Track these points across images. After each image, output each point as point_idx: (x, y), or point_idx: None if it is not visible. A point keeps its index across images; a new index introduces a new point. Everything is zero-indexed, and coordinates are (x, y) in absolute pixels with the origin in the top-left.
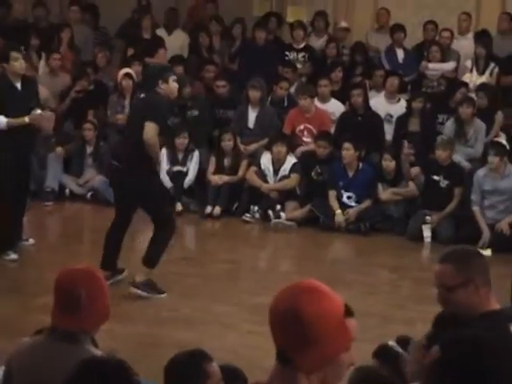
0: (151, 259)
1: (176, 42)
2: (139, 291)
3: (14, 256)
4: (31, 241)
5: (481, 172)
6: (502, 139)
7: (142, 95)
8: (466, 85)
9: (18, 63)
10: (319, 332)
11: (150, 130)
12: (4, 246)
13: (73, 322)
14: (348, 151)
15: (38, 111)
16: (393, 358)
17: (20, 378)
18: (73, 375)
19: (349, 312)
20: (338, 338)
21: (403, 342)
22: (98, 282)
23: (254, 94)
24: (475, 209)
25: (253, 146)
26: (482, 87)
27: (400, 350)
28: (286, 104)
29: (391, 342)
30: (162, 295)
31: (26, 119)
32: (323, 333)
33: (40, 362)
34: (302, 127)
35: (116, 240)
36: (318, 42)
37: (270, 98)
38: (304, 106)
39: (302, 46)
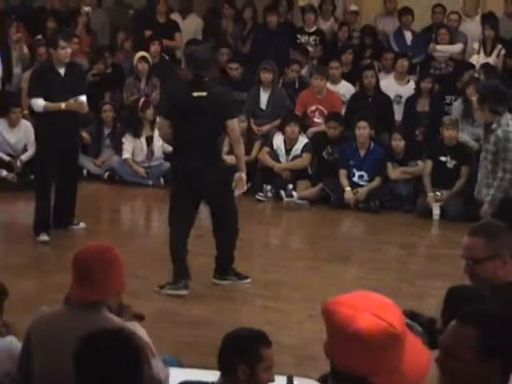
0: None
1: (190, 26)
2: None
3: (44, 237)
4: (82, 225)
5: None
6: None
7: (215, 89)
8: (473, 66)
9: (63, 51)
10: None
11: (237, 126)
12: (38, 227)
13: (88, 294)
14: (364, 130)
15: (81, 98)
16: None
17: (40, 344)
18: (80, 343)
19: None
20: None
21: (412, 315)
22: (111, 256)
23: (266, 76)
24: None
25: (265, 127)
26: (483, 67)
27: (410, 322)
28: (297, 86)
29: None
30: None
31: (62, 105)
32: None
33: (59, 328)
34: (313, 108)
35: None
36: (325, 26)
37: (281, 81)
38: (317, 87)
39: (313, 29)
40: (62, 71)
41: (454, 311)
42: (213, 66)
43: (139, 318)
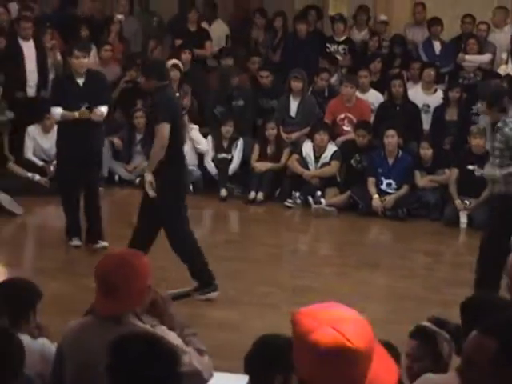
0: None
1: (216, 32)
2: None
3: (77, 242)
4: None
5: None
6: None
7: None
8: (499, 76)
9: (78, 61)
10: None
11: None
12: (70, 232)
13: (113, 306)
14: (392, 138)
15: (101, 108)
16: (430, 337)
17: (71, 355)
18: (109, 352)
19: None
20: None
21: (438, 322)
22: (134, 265)
23: (296, 85)
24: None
25: (295, 135)
26: (507, 77)
27: (436, 328)
28: (326, 94)
29: (426, 323)
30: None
31: (76, 114)
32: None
33: (88, 340)
34: (342, 116)
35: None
36: (359, 36)
37: (311, 89)
38: (346, 95)
39: (342, 38)
40: (80, 81)
41: (471, 320)
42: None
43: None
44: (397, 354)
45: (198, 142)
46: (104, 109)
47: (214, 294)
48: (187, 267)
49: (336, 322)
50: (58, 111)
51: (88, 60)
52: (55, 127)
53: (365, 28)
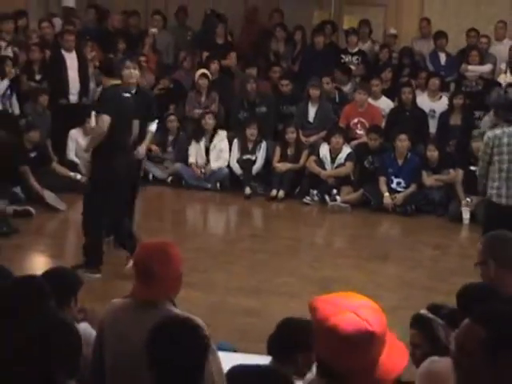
0: None
1: None
2: None
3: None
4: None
5: None
6: None
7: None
8: (500, 85)
9: (128, 72)
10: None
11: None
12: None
13: (150, 292)
14: (404, 142)
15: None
16: (426, 324)
17: (111, 335)
18: (149, 335)
19: None
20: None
21: (433, 309)
22: (169, 255)
23: (314, 92)
24: None
25: (313, 138)
26: (510, 85)
27: (431, 315)
28: (337, 100)
29: (423, 311)
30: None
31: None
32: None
33: (127, 321)
34: (355, 121)
35: None
36: (363, 47)
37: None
38: (360, 101)
39: (355, 50)
40: (129, 93)
41: (464, 308)
42: None
43: None
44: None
45: (221, 149)
46: (153, 127)
47: (92, 276)
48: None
49: (355, 307)
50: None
51: (138, 71)
52: None
53: (368, 40)
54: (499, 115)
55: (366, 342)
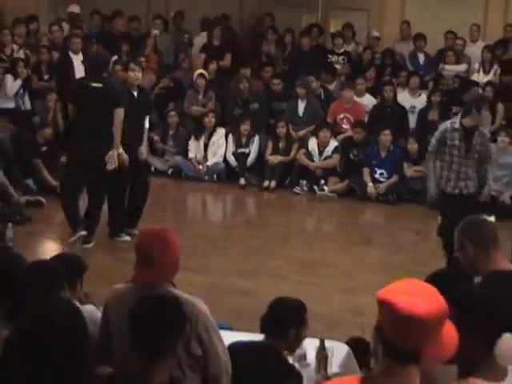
0: None
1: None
2: None
3: (127, 238)
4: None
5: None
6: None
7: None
8: (476, 83)
9: (133, 74)
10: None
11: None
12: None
13: (150, 276)
14: (387, 136)
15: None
16: None
17: (115, 317)
18: (132, 309)
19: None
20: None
21: None
22: (167, 241)
23: (300, 91)
24: None
25: (302, 132)
26: (489, 84)
27: None
28: (322, 97)
29: None
30: None
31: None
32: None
33: (129, 304)
34: (341, 116)
35: None
36: (347, 48)
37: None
38: (347, 97)
39: (341, 51)
40: (135, 93)
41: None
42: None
43: None
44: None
45: (218, 146)
46: (146, 123)
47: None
48: None
49: (423, 292)
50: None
51: (141, 73)
52: None
53: (351, 42)
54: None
55: (441, 321)
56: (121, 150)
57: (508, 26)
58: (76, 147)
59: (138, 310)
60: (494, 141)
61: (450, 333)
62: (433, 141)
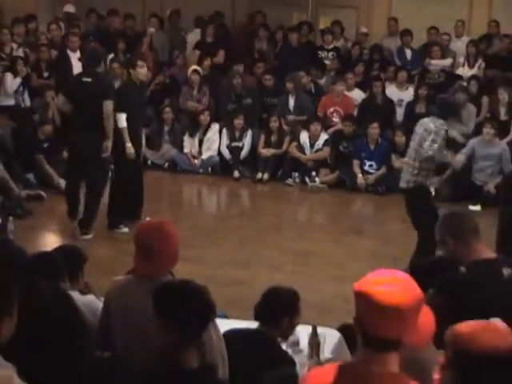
0: None
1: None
2: None
3: (125, 229)
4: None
5: (475, 140)
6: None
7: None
8: (460, 77)
9: (142, 70)
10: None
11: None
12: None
13: (149, 268)
14: (375, 129)
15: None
16: None
17: (116, 308)
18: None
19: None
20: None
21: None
22: (167, 233)
23: (289, 85)
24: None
25: (291, 117)
26: (473, 77)
27: None
28: (313, 92)
29: None
30: None
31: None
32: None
33: (129, 295)
34: (331, 110)
35: None
36: (336, 44)
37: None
38: (337, 92)
39: (330, 47)
40: (139, 89)
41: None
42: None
43: None
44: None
45: (212, 141)
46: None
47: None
48: None
49: (400, 282)
50: (123, 117)
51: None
52: None
53: (340, 38)
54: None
55: (418, 308)
56: (129, 145)
57: (492, 22)
58: (74, 142)
59: (171, 295)
60: (479, 133)
61: (426, 317)
62: None
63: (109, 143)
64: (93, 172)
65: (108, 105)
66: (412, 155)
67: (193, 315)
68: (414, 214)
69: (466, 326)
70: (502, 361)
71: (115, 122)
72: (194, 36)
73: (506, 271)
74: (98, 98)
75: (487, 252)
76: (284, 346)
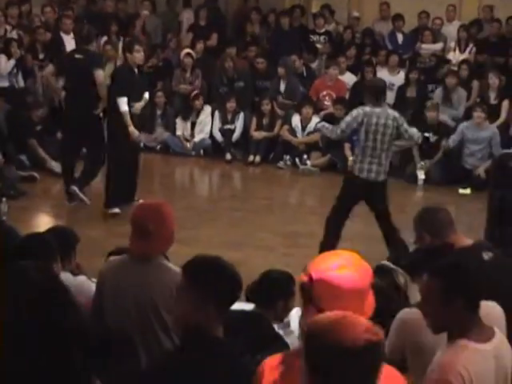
0: None
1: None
2: None
3: (116, 210)
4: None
5: (465, 124)
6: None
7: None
8: (448, 61)
9: (139, 54)
10: None
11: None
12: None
13: (145, 247)
14: None
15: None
16: (387, 272)
17: (110, 288)
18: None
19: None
20: None
21: (392, 260)
22: (163, 214)
23: (281, 70)
24: (450, 143)
25: (280, 100)
26: (464, 62)
27: (392, 266)
28: (305, 75)
29: (384, 262)
30: None
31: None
32: None
33: (123, 276)
34: (324, 93)
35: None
36: (328, 27)
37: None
38: (331, 75)
39: (322, 30)
40: (136, 72)
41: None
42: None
43: None
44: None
45: (205, 124)
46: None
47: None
48: None
49: (338, 267)
50: (125, 101)
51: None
52: None
53: (332, 21)
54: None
55: (357, 294)
56: (132, 128)
57: (486, 7)
58: (68, 116)
59: (208, 267)
60: (469, 117)
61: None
62: None
63: (103, 104)
64: (89, 144)
65: (99, 74)
66: None
67: (227, 288)
68: None
69: (320, 318)
70: (349, 354)
71: (116, 106)
72: (187, 15)
73: (486, 255)
74: (89, 72)
75: (464, 241)
76: (276, 328)
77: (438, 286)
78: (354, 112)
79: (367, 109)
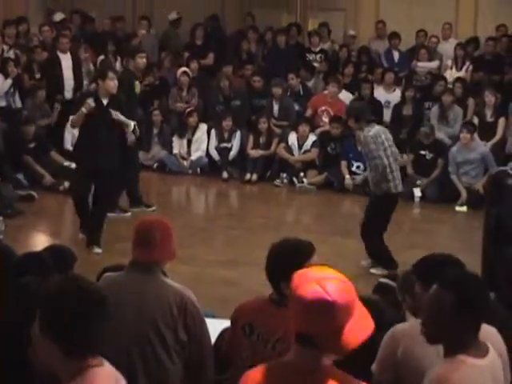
0: None
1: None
2: None
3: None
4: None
5: (454, 148)
6: (475, 121)
7: None
8: (444, 79)
9: (112, 83)
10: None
11: None
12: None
13: (149, 255)
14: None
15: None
16: (389, 290)
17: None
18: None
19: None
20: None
21: (391, 278)
22: (168, 228)
23: (276, 91)
24: (453, 177)
25: (274, 122)
26: (458, 80)
27: (392, 284)
28: (301, 93)
29: (383, 280)
30: None
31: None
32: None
33: (122, 288)
34: (323, 108)
35: None
36: (324, 46)
37: (289, 89)
38: (331, 92)
39: (318, 49)
40: (105, 101)
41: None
42: None
43: None
44: (380, 309)
45: (201, 141)
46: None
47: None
48: None
49: (320, 279)
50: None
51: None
52: None
53: (328, 40)
54: (361, 120)
55: (327, 311)
56: (133, 123)
57: (501, 26)
58: (89, 158)
59: None
60: None
61: (356, 329)
62: None
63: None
64: (107, 183)
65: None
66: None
67: None
68: None
69: None
70: None
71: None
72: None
73: None
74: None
75: None
76: None
77: (449, 298)
78: (371, 135)
79: (376, 128)
